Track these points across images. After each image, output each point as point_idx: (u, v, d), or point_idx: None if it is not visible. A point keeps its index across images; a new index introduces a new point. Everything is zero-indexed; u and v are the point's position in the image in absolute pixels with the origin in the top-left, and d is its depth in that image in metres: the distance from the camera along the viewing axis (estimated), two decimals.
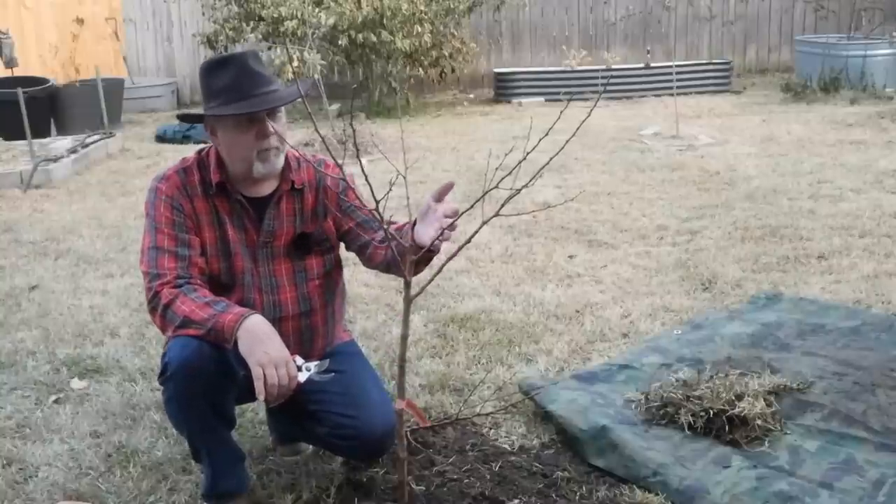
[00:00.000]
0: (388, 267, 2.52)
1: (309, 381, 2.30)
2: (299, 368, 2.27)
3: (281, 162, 2.45)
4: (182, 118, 2.78)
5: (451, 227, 2.16)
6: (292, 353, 2.36)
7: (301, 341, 2.52)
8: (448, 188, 2.22)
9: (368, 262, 2.59)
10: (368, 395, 2.50)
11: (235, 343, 2.22)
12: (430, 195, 2.22)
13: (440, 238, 2.15)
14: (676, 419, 2.79)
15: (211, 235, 2.46)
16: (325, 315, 2.60)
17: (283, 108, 2.48)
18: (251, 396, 2.58)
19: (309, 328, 2.55)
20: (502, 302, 4.06)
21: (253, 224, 2.49)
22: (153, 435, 2.96)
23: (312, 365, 2.33)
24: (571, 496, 2.52)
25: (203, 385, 2.29)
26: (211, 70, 2.41)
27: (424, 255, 2.18)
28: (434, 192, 2.21)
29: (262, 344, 2.20)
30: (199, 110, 2.57)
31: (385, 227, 2.03)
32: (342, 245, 2.65)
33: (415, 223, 2.25)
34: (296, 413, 2.60)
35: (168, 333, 2.37)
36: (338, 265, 2.67)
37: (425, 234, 2.18)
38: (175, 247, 2.39)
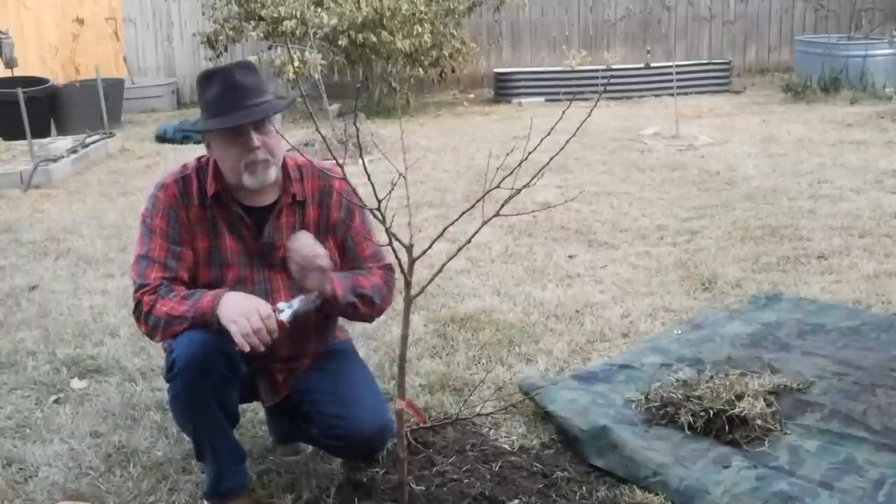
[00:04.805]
0: None
1: (294, 316, 2.34)
2: (281, 310, 2.31)
3: (272, 174, 2.43)
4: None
5: (328, 262, 2.34)
6: (283, 355, 2.39)
7: (293, 344, 2.51)
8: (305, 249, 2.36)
9: None
10: (359, 396, 2.50)
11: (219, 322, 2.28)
12: (294, 265, 2.35)
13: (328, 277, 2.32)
14: (676, 419, 2.79)
15: (204, 245, 2.46)
16: (318, 319, 2.56)
17: (276, 119, 2.48)
18: (253, 396, 2.59)
19: (300, 331, 2.50)
20: (502, 302, 4.06)
21: (251, 234, 2.48)
22: (153, 435, 2.96)
23: (295, 301, 2.36)
24: (571, 496, 2.52)
25: (210, 381, 2.31)
26: (200, 83, 2.43)
27: (334, 307, 2.42)
28: (297, 258, 2.35)
29: (232, 306, 2.27)
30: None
31: (387, 228, 2.03)
32: None
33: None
34: (291, 413, 2.62)
35: (157, 339, 2.43)
36: None
37: (315, 281, 2.35)
38: (165, 258, 2.42)
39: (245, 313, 2.25)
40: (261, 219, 2.49)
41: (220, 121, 2.37)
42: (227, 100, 2.36)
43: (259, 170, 2.39)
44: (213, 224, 2.47)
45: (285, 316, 2.30)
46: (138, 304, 2.39)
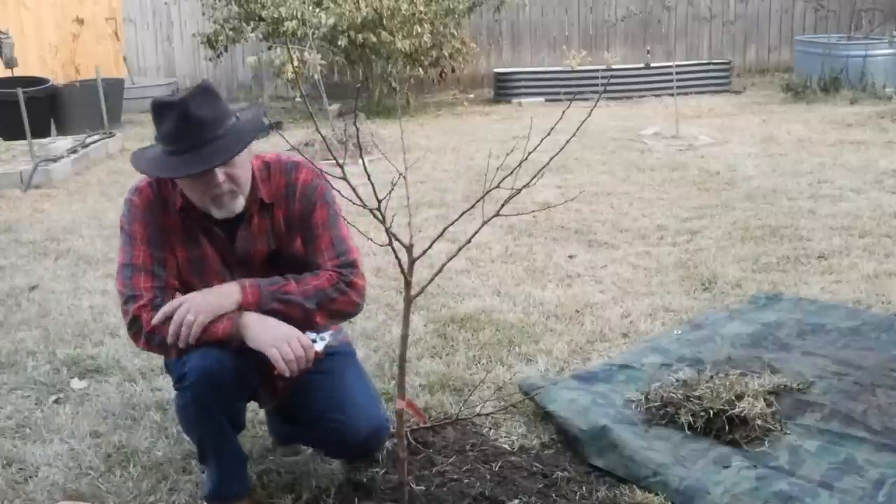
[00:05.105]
0: None
1: (326, 348, 2.35)
2: (314, 341, 2.32)
3: (240, 203, 2.33)
4: None
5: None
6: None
7: None
8: None
9: None
10: (354, 397, 2.49)
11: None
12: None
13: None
14: (676, 419, 2.79)
15: (183, 253, 2.40)
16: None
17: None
18: (252, 398, 2.59)
19: None
20: (502, 302, 4.06)
21: (224, 245, 2.42)
22: (153, 435, 2.96)
23: (327, 335, 2.38)
24: (571, 496, 2.52)
25: (221, 394, 2.30)
26: (155, 110, 2.26)
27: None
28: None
29: (268, 331, 2.25)
30: None
31: (387, 228, 2.03)
32: None
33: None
34: (289, 415, 2.61)
35: (165, 356, 2.42)
36: None
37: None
38: (151, 265, 2.34)
39: (285, 339, 2.24)
40: (231, 230, 2.41)
41: (177, 164, 2.22)
42: (184, 136, 2.21)
43: (226, 201, 2.30)
44: (190, 232, 2.39)
45: (320, 347, 2.32)
46: (135, 319, 2.30)
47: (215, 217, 2.34)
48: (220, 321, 2.26)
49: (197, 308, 2.24)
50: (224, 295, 2.30)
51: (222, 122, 2.26)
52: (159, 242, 2.36)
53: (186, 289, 2.38)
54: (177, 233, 2.38)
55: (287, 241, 2.45)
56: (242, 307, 2.29)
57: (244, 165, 2.32)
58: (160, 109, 2.23)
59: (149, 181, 2.39)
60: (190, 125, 2.21)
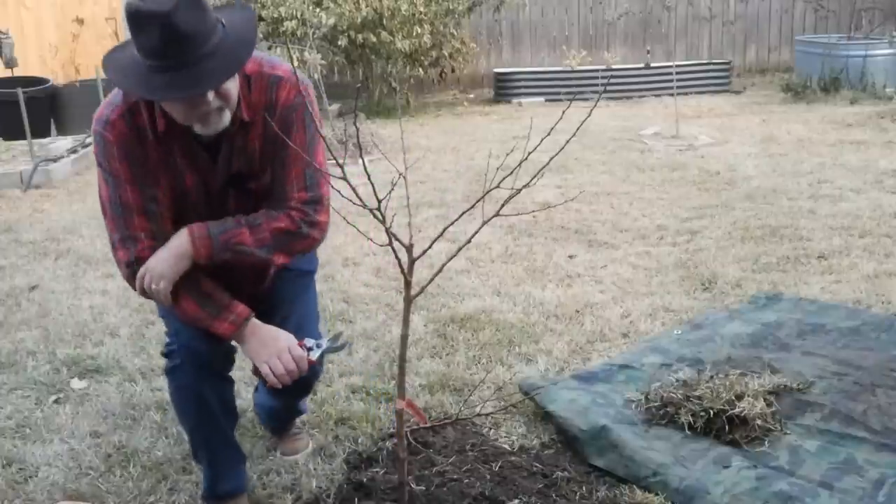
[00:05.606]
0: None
1: (324, 354, 2.35)
2: (310, 348, 2.31)
3: (227, 118, 2.14)
4: None
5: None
6: (240, 276, 2.34)
7: (242, 288, 2.37)
8: None
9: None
10: (288, 326, 2.37)
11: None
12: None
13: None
14: (676, 419, 2.79)
15: (167, 182, 2.22)
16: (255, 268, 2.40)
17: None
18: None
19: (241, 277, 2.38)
20: (502, 302, 4.06)
21: (207, 165, 2.24)
22: (153, 435, 2.96)
23: (323, 341, 2.36)
24: (571, 496, 2.52)
25: (208, 374, 2.32)
26: (133, 20, 1.96)
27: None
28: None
29: (265, 346, 2.24)
30: None
31: (387, 228, 2.03)
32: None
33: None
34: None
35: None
36: None
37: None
38: (142, 202, 2.19)
39: (277, 353, 2.23)
40: (214, 147, 2.23)
41: (165, 85, 1.99)
42: (171, 53, 1.96)
43: (213, 119, 2.11)
44: (172, 160, 2.21)
45: (314, 355, 2.32)
46: (138, 260, 2.18)
47: (198, 133, 2.16)
48: (223, 323, 2.23)
49: (158, 276, 2.16)
50: (177, 254, 2.17)
51: (210, 36, 2.01)
52: (145, 178, 2.19)
53: (174, 221, 2.25)
54: (157, 163, 2.20)
55: (260, 165, 2.28)
56: (195, 261, 2.18)
57: (233, 80, 2.12)
58: (139, 20, 1.94)
59: (120, 112, 2.16)
60: (177, 41, 1.95)
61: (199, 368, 2.30)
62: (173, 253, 2.18)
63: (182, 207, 2.27)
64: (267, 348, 2.23)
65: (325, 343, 2.36)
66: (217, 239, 2.19)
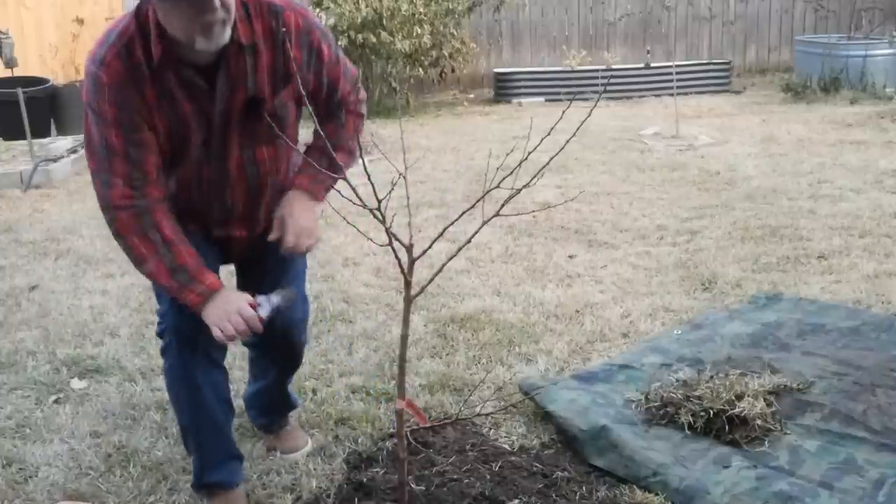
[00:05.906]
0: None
1: (273, 312, 2.33)
2: (259, 305, 2.30)
3: (228, 33, 2.11)
4: None
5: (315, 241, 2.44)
6: (239, 219, 2.42)
7: (248, 200, 2.41)
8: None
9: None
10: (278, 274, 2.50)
11: None
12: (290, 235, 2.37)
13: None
14: (676, 419, 2.79)
15: (163, 122, 2.19)
16: (275, 171, 2.43)
17: None
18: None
19: (257, 187, 2.40)
20: (502, 302, 4.06)
21: (204, 94, 2.20)
22: (153, 435, 2.96)
23: (274, 297, 2.35)
24: (571, 496, 2.52)
25: (198, 353, 2.36)
26: None
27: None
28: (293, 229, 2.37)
29: (216, 308, 2.24)
30: None
31: (387, 228, 2.03)
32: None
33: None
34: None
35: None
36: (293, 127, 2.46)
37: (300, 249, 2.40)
38: (125, 146, 2.16)
39: (227, 315, 2.23)
40: (210, 74, 2.19)
41: None
42: None
43: (216, 31, 2.06)
44: (169, 93, 2.17)
45: (264, 312, 2.30)
46: (113, 217, 2.20)
47: (201, 49, 2.10)
48: (191, 295, 2.24)
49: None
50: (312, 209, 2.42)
51: None
52: (133, 123, 2.16)
53: (163, 154, 2.24)
54: (154, 101, 2.16)
55: (269, 89, 2.26)
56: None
57: None
58: None
59: (116, 50, 2.12)
60: None
61: (188, 349, 2.34)
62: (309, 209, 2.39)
63: (182, 146, 2.25)
64: (217, 310, 2.24)
65: (276, 299, 2.34)
66: (318, 184, 2.40)
